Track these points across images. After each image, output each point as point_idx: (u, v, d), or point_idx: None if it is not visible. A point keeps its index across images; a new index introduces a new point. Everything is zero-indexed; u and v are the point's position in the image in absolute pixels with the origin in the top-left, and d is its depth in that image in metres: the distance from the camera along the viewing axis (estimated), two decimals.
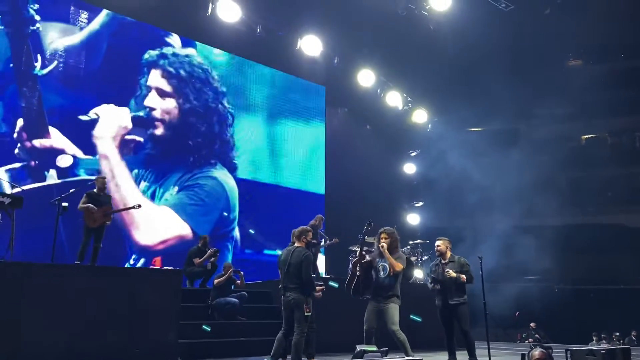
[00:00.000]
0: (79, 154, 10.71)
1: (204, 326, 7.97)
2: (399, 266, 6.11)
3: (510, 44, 16.07)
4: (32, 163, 10.17)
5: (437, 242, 6.54)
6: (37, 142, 10.30)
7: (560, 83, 17.17)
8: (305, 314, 5.70)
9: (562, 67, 19.26)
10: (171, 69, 12.29)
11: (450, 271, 6.28)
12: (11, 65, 10.16)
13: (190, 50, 12.73)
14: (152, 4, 11.59)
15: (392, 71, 15.58)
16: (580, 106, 16.96)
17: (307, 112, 15.08)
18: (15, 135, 10.07)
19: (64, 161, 10.50)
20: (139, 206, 8.44)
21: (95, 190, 8.15)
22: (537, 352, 5.52)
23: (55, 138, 10.48)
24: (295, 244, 6.01)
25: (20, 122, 10.14)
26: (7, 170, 9.82)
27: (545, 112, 17.62)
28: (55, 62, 10.64)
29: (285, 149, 14.37)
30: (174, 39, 12.50)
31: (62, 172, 10.44)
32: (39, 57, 10.45)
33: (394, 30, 13.65)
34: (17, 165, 9.99)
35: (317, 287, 6.05)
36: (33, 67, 10.37)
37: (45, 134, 10.39)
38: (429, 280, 6.61)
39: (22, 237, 8.62)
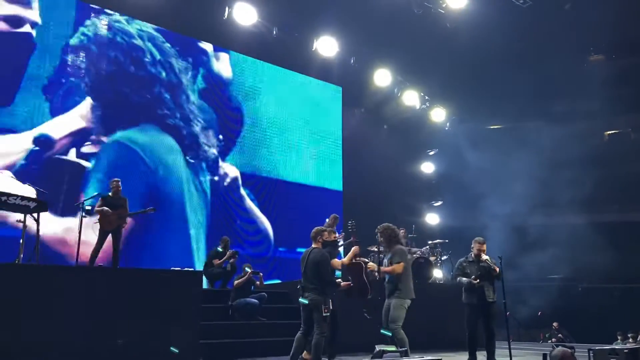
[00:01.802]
0: None
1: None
2: (396, 269, 5.98)
3: (528, 40, 15.84)
4: None
5: (484, 247, 6.56)
6: None
7: (582, 79, 16.83)
8: (323, 314, 5.72)
9: (583, 63, 18.89)
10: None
11: (488, 259, 6.45)
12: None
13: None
14: (167, 10, 11.66)
15: (408, 70, 15.50)
16: (603, 102, 16.62)
17: (324, 112, 15.10)
18: None
19: None
20: (154, 209, 8.50)
21: (110, 193, 8.26)
22: (559, 352, 5.46)
23: None
24: (313, 245, 6.03)
25: None
26: None
27: (566, 108, 17.33)
28: None
29: (302, 149, 14.43)
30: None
31: None
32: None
33: (410, 29, 13.56)
34: None
35: (342, 283, 6.09)
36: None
37: None
38: (472, 277, 6.42)
39: None
